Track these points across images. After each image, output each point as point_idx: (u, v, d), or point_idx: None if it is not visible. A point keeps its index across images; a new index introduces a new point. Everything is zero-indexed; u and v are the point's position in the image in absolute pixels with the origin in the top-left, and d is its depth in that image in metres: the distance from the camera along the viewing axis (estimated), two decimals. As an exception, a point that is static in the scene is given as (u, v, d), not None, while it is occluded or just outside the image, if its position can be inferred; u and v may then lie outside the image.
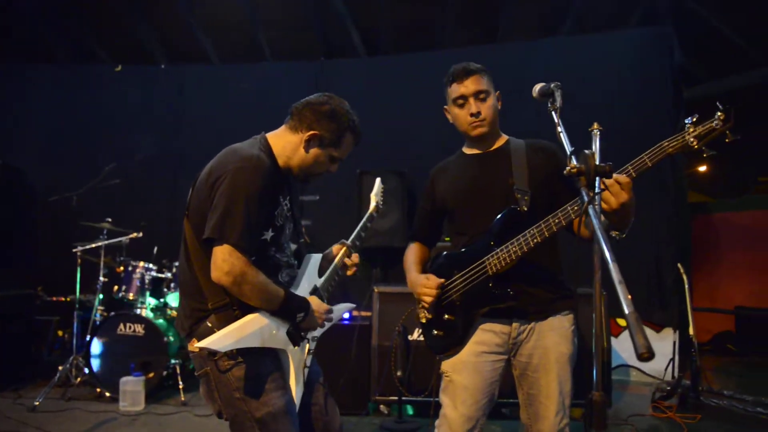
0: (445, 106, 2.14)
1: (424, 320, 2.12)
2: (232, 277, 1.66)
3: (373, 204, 2.40)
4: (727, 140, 1.52)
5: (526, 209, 1.91)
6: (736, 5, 5.78)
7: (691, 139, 1.54)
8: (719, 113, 1.52)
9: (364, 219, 2.30)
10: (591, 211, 1.20)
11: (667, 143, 1.58)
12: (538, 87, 1.71)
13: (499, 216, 1.94)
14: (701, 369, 4.52)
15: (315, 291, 2.00)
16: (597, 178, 1.27)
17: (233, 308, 1.76)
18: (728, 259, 7.23)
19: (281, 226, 1.87)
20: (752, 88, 6.97)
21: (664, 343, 5.25)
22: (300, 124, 1.90)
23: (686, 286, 4.76)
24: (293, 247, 2.00)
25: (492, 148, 2.10)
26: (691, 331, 4.57)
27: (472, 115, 2.01)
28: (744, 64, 6.56)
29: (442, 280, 2.03)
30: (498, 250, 1.89)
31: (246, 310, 1.76)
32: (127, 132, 6.30)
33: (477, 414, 1.98)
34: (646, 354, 0.92)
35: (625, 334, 5.46)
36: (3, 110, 6.44)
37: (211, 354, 1.75)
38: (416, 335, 3.90)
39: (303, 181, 1.99)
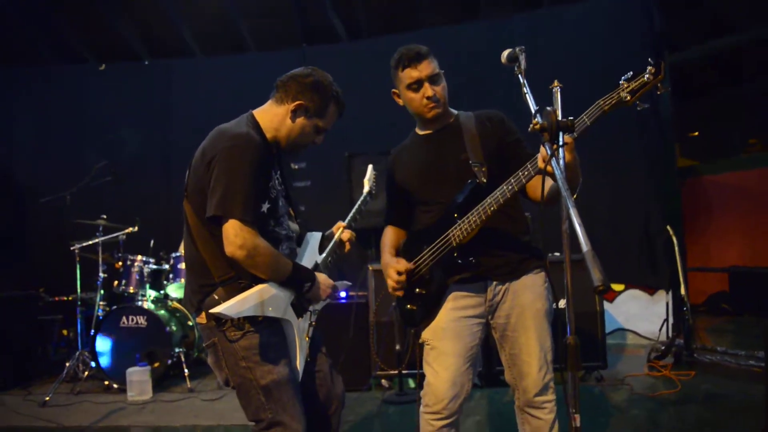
0: (394, 90, 2.18)
1: (399, 295, 2.20)
2: (246, 251, 1.74)
3: (366, 189, 2.48)
4: (658, 92, 1.60)
5: (485, 180, 1.99)
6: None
7: (625, 95, 1.60)
8: (650, 67, 1.58)
9: (358, 203, 2.38)
10: (554, 163, 1.27)
11: (602, 101, 1.64)
12: (505, 53, 1.76)
13: (461, 190, 2.01)
14: (694, 327, 4.64)
15: (316, 267, 2.09)
16: (560, 133, 1.33)
17: (239, 280, 1.84)
18: (720, 221, 7.32)
19: (275, 197, 1.95)
20: (736, 51, 7.01)
21: (658, 305, 5.36)
22: (286, 96, 1.97)
23: (676, 248, 4.85)
24: (294, 226, 2.08)
25: (443, 126, 2.16)
26: (682, 290, 4.68)
27: (428, 98, 2.06)
28: (725, 27, 6.58)
29: (410, 264, 2.11)
30: (460, 221, 1.97)
31: (252, 281, 1.84)
32: (114, 129, 6.33)
33: (461, 379, 2.02)
34: (601, 287, 0.99)
35: (620, 298, 5.58)
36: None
37: (219, 325, 1.84)
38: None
39: (290, 153, 2.05)
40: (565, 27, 5.67)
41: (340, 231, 2.23)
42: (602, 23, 5.61)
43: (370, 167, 2.56)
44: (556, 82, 1.42)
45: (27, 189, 6.19)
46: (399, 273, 2.10)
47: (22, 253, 6.23)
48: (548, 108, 1.34)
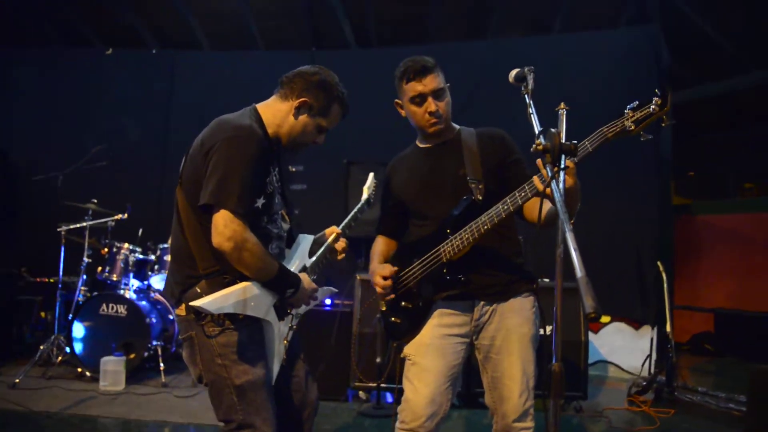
0: (397, 101, 2.15)
1: (384, 308, 2.17)
2: (234, 243, 1.70)
3: (365, 196, 2.46)
4: (663, 124, 1.57)
5: (481, 198, 1.96)
6: (725, 8, 5.86)
7: (630, 124, 1.58)
8: (656, 98, 1.56)
9: (355, 210, 2.35)
10: (554, 185, 1.25)
11: (606, 128, 1.62)
12: (513, 72, 1.75)
13: (456, 205, 1.98)
14: (677, 365, 4.61)
15: (304, 269, 2.05)
16: (562, 156, 1.31)
17: (224, 275, 1.79)
18: (710, 261, 7.32)
19: (271, 193, 1.91)
20: (740, 93, 7.07)
21: (643, 340, 5.33)
22: (291, 92, 1.94)
23: (665, 284, 4.83)
24: (285, 226, 2.04)
25: (444, 141, 2.14)
26: (668, 327, 4.66)
27: (431, 114, 2.03)
28: (732, 68, 6.65)
29: (395, 268, 2.08)
30: (452, 237, 1.94)
31: (236, 277, 1.79)
32: (115, 115, 6.28)
33: (440, 398, 1.98)
34: (593, 314, 0.96)
35: (605, 330, 5.55)
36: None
37: (198, 318, 1.79)
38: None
39: (290, 151, 2.02)
40: (573, 54, 5.69)
41: (333, 236, 2.19)
42: (610, 54, 5.64)
43: (371, 175, 2.54)
44: (562, 104, 1.40)
45: (23, 168, 6.11)
46: (384, 278, 2.06)
47: (10, 231, 6.14)
48: (552, 130, 1.32)
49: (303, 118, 1.94)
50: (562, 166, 1.31)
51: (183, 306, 1.83)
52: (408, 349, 2.07)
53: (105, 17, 6.67)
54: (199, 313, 1.77)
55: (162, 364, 4.36)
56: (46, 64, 6.54)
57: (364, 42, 6.63)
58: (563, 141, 1.32)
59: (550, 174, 1.29)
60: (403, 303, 2.09)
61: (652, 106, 1.55)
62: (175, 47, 6.80)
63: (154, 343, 4.43)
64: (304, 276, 1.97)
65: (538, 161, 1.60)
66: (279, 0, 6.39)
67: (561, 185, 1.29)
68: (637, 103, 1.58)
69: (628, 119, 1.58)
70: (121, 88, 6.41)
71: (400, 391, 2.09)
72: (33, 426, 3.42)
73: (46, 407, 3.66)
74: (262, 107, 1.97)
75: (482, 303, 2.01)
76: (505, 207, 1.81)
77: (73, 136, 6.17)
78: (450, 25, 6.51)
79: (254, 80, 6.07)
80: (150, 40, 6.81)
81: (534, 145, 1.34)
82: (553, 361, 1.29)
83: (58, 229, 4.61)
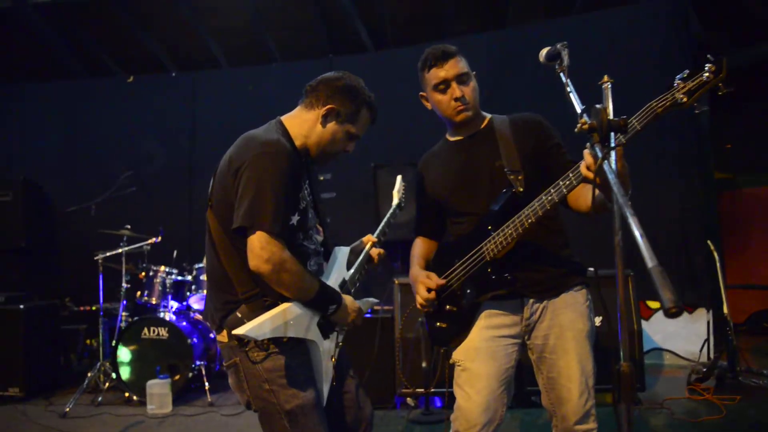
0: (422, 93, 2.05)
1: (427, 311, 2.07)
2: (272, 265, 1.63)
3: (395, 201, 2.37)
4: (719, 93, 1.39)
5: (522, 190, 1.84)
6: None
7: (681, 96, 1.42)
8: (709, 65, 1.40)
9: (387, 216, 2.26)
10: (607, 166, 1.13)
11: (656, 103, 1.47)
12: (544, 51, 1.63)
13: (496, 200, 1.87)
14: (738, 348, 4.37)
15: (343, 284, 1.96)
16: (611, 133, 1.19)
17: (263, 298, 1.72)
18: (760, 236, 7.00)
19: (305, 208, 1.83)
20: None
21: (698, 324, 5.09)
22: (316, 101, 1.86)
23: (717, 264, 4.61)
24: (320, 238, 1.96)
25: (476, 131, 2.02)
26: (725, 309, 4.43)
27: (456, 99, 1.92)
28: (764, 34, 6.33)
29: (443, 281, 1.97)
30: (494, 234, 1.83)
31: (276, 299, 1.72)
32: (141, 140, 6.35)
33: (495, 403, 1.88)
34: (674, 309, 0.85)
35: (657, 316, 5.32)
36: (20, 127, 6.55)
37: (241, 344, 1.72)
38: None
39: (320, 162, 1.93)
40: (597, 33, 5.50)
41: (370, 245, 2.10)
42: (636, 29, 5.43)
43: (399, 178, 2.45)
44: (606, 77, 1.28)
45: (56, 200, 6.24)
46: (429, 290, 1.96)
47: (51, 263, 6.27)
48: (598, 106, 1.20)
49: (331, 126, 1.85)
50: (612, 144, 1.19)
51: (224, 332, 1.76)
52: (457, 355, 1.97)
53: (123, 45, 6.75)
54: (242, 338, 1.69)
55: (207, 384, 4.34)
56: (71, 96, 6.64)
57: (380, 44, 6.55)
58: (611, 117, 1.20)
59: (600, 155, 1.16)
60: (447, 307, 1.98)
61: (706, 74, 1.39)
62: (194, 68, 6.84)
63: (198, 363, 4.41)
64: (346, 297, 1.88)
65: (585, 151, 1.49)
66: (292, 10, 6.37)
67: (614, 166, 1.17)
68: (688, 72, 1.43)
69: (679, 91, 1.43)
70: (145, 114, 6.48)
71: (450, 395, 1.99)
72: (85, 455, 3.43)
73: (96, 435, 3.67)
74: (287, 119, 1.89)
75: (532, 301, 1.90)
76: (549, 197, 1.69)
77: (102, 164, 6.26)
78: (466, 18, 6.37)
79: (275, 92, 6.09)
80: (169, 63, 6.87)
81: (579, 125, 1.22)
82: (621, 359, 1.17)
83: (95, 258, 4.65)
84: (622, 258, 1.16)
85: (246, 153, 1.71)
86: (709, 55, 1.42)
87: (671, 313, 0.86)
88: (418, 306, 2.03)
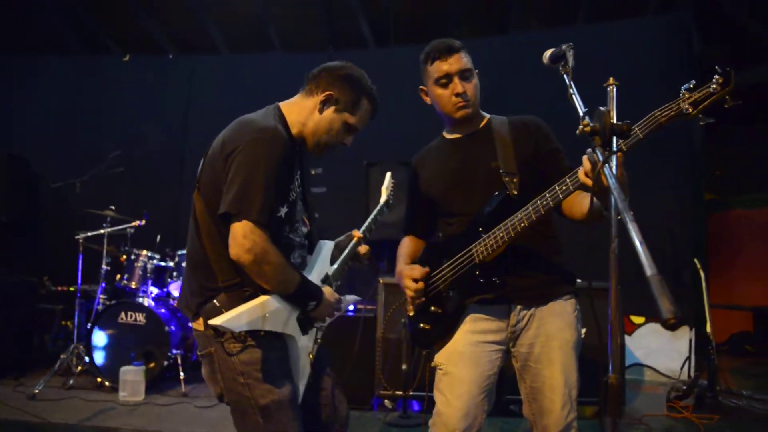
0: (422, 86, 2.00)
1: (411, 313, 2.02)
2: (253, 255, 1.57)
3: (383, 198, 2.31)
4: (726, 105, 1.36)
5: (516, 192, 1.80)
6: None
7: (687, 106, 1.39)
8: (717, 76, 1.36)
9: (374, 212, 2.20)
10: (608, 171, 1.08)
11: (659, 112, 1.43)
12: (548, 53, 1.59)
13: (489, 201, 1.82)
14: (719, 368, 4.37)
15: (326, 279, 1.91)
16: (614, 137, 1.14)
17: (244, 288, 1.66)
18: (745, 258, 7.03)
19: (293, 201, 1.78)
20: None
21: (680, 341, 5.08)
22: (316, 88, 1.81)
23: (703, 283, 4.60)
24: (305, 230, 1.91)
25: (474, 131, 1.98)
26: (708, 328, 4.42)
27: (457, 95, 1.87)
28: (764, 55, 6.36)
29: (427, 269, 1.92)
30: (485, 236, 1.78)
31: (257, 290, 1.66)
32: (134, 121, 6.25)
33: (475, 410, 1.83)
34: (672, 320, 0.80)
35: (639, 332, 5.31)
36: (12, 100, 6.44)
37: (218, 334, 1.67)
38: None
39: (316, 153, 1.86)
40: (598, 44, 5.48)
41: (355, 241, 2.05)
42: (639, 44, 5.42)
43: (388, 175, 2.40)
44: (611, 80, 1.23)
45: (42, 175, 6.11)
46: (415, 280, 1.91)
47: (32, 240, 6.15)
48: (602, 108, 1.16)
49: (328, 113, 1.80)
50: (614, 149, 1.14)
51: (201, 320, 1.70)
52: (439, 358, 1.91)
53: (122, 24, 6.67)
54: (218, 328, 1.64)
55: (182, 374, 4.26)
56: (64, 71, 6.55)
57: (382, 41, 6.51)
58: (614, 121, 1.15)
59: (601, 158, 1.12)
60: (432, 308, 1.93)
61: (713, 86, 1.35)
62: (193, 52, 6.76)
63: (174, 351, 4.33)
64: (326, 288, 1.83)
65: (585, 157, 1.44)
66: (297, 1, 6.31)
67: (615, 170, 1.12)
68: (694, 82, 1.39)
69: (684, 101, 1.39)
70: (139, 94, 6.38)
71: (429, 399, 1.94)
72: (51, 438, 3.35)
73: (64, 419, 3.58)
74: (285, 106, 1.83)
75: (519, 307, 1.85)
76: (544, 202, 1.64)
77: (93, 142, 6.14)
78: (470, 21, 6.35)
79: (272, 82, 6.01)
80: (168, 45, 6.77)
81: (580, 127, 1.17)
82: (609, 372, 1.12)
83: (76, 237, 4.55)
84: (616, 268, 1.11)
85: (241, 137, 1.65)
86: (717, 67, 1.38)
87: (670, 324, 0.81)
88: (409, 300, 1.97)
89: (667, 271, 5.17)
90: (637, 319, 5.35)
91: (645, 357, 5.24)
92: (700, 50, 5.35)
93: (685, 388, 4.26)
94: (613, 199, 1.07)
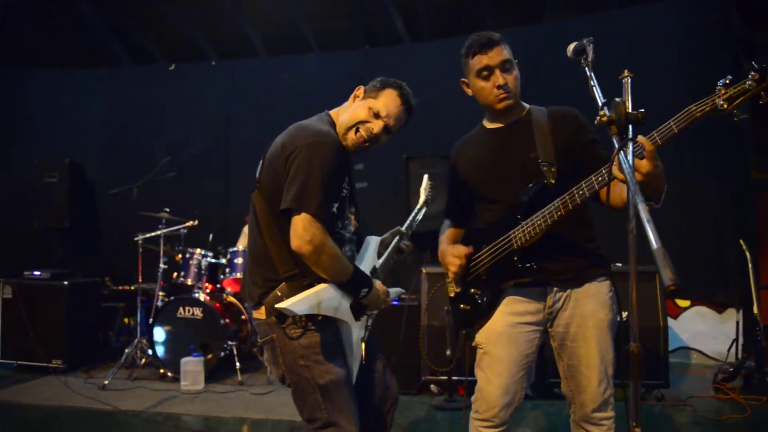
0: (463, 79, 2.08)
1: (452, 294, 2.13)
2: (313, 246, 1.74)
3: (422, 198, 2.46)
4: (761, 101, 1.40)
5: (553, 182, 1.88)
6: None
7: (722, 102, 1.43)
8: (753, 73, 1.41)
9: (413, 213, 2.36)
10: (622, 158, 1.19)
11: (695, 107, 1.48)
12: (571, 46, 1.67)
13: (527, 189, 1.91)
14: (766, 349, 4.32)
15: (374, 271, 2.07)
16: (629, 126, 1.24)
17: (303, 278, 1.83)
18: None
19: (344, 197, 1.94)
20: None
21: (727, 324, 5.04)
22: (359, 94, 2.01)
23: (750, 264, 4.55)
24: (352, 228, 2.07)
25: (514, 120, 2.05)
26: (755, 310, 4.38)
27: (498, 87, 1.95)
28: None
29: (470, 248, 2.03)
30: (524, 223, 1.87)
31: (314, 280, 1.83)
32: (180, 126, 6.55)
33: (514, 387, 1.94)
34: (673, 286, 0.90)
35: (685, 315, 5.28)
36: (68, 112, 6.83)
37: (280, 321, 1.84)
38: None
39: (350, 147, 1.95)
40: (634, 29, 5.43)
41: (398, 238, 2.21)
42: (676, 26, 5.33)
43: (425, 177, 2.53)
44: (626, 72, 1.32)
45: (97, 182, 6.50)
46: (458, 257, 2.02)
47: (92, 243, 6.55)
48: (617, 99, 1.26)
49: (356, 103, 1.97)
50: (630, 136, 1.24)
51: (263, 309, 1.87)
52: (479, 338, 2.03)
53: (167, 34, 6.95)
54: (280, 315, 1.81)
55: (238, 363, 4.51)
56: (115, 82, 6.90)
57: (416, 36, 6.59)
58: (629, 111, 1.25)
59: (617, 146, 1.22)
60: (472, 290, 2.05)
61: (749, 82, 1.40)
62: (233, 57, 7.00)
63: (230, 343, 4.58)
64: (375, 280, 1.99)
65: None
66: (331, 2, 6.46)
67: (630, 157, 1.22)
68: (730, 78, 1.43)
69: (719, 96, 1.43)
70: (185, 101, 6.67)
71: (470, 384, 2.06)
72: (121, 424, 3.62)
73: (132, 406, 3.86)
74: (334, 112, 2.02)
75: (555, 289, 1.94)
76: (581, 192, 1.72)
77: (143, 149, 6.49)
78: (503, 12, 6.36)
79: (311, 82, 6.20)
80: (209, 51, 7.04)
81: (598, 117, 1.28)
82: (631, 341, 1.23)
83: (135, 239, 4.85)
84: (635, 244, 1.21)
85: (299, 140, 1.82)
86: (753, 62, 1.42)
87: (670, 291, 0.91)
88: (451, 274, 2.07)
89: (711, 254, 5.12)
90: (683, 303, 5.31)
91: (691, 340, 5.20)
92: (741, 30, 5.22)
93: (732, 369, 4.24)
94: (628, 183, 1.16)
